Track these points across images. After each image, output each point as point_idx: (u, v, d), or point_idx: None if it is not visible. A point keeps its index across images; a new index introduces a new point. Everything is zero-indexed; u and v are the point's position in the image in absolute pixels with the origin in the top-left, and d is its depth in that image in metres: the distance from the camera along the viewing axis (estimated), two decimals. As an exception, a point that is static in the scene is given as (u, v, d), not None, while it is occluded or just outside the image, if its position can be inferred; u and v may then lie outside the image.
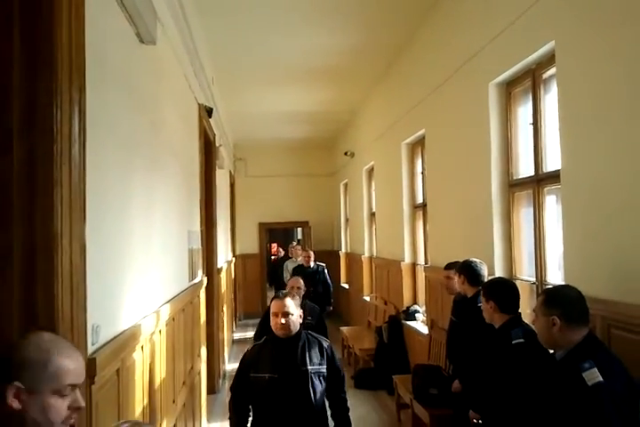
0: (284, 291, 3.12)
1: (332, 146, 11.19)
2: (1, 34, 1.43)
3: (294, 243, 12.55)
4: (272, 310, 2.73)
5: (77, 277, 1.55)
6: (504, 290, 2.77)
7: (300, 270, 7.49)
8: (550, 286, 3.02)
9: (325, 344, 2.77)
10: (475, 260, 3.42)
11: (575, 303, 2.08)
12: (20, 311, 1.41)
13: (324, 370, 2.70)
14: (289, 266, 9.06)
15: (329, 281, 7.56)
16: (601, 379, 1.86)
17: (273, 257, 13.52)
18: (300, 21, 5.02)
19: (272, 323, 2.71)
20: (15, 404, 1.19)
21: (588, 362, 1.92)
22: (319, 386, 2.67)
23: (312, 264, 7.50)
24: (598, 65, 2.53)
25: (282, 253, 11.07)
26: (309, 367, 2.65)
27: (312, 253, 7.65)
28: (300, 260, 8.81)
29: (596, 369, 1.89)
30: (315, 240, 11.26)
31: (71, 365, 1.23)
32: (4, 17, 1.43)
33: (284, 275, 9.07)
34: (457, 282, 3.50)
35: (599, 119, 2.53)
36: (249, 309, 10.96)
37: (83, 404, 1.25)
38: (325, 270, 7.55)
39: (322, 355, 2.72)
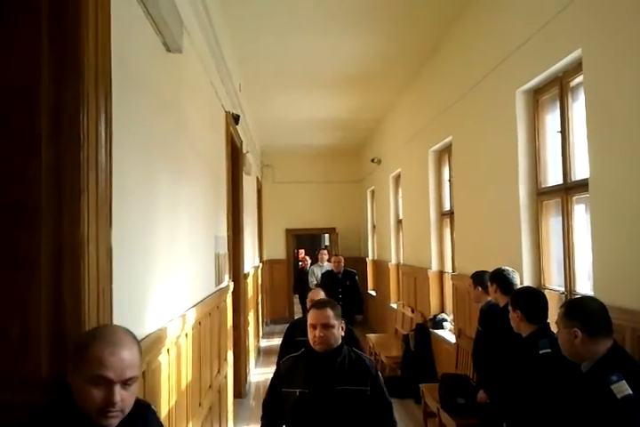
0: (325, 298, 2.91)
1: (359, 153, 11.18)
2: (30, 38, 1.45)
3: (323, 246, 12.53)
4: (309, 321, 2.44)
5: (104, 282, 1.57)
6: (532, 300, 2.73)
7: (328, 276, 7.48)
8: (574, 298, 2.96)
9: (370, 364, 2.47)
10: (507, 268, 3.38)
11: (596, 315, 2.05)
12: (49, 315, 1.43)
13: (368, 393, 2.37)
14: (315, 270, 9.05)
15: (359, 288, 7.46)
16: (630, 392, 1.83)
17: (300, 263, 13.49)
18: (327, 27, 5.03)
19: (309, 336, 2.42)
20: (69, 379, 1.29)
21: (615, 374, 1.88)
22: (359, 410, 2.34)
23: (342, 270, 7.42)
24: (625, 73, 2.49)
25: (308, 262, 10.96)
26: (347, 387, 2.34)
27: (342, 259, 7.59)
28: (326, 265, 8.80)
29: (624, 382, 1.85)
30: (342, 247, 11.25)
31: (108, 358, 1.25)
32: (33, 22, 1.46)
33: (310, 279, 9.05)
34: (490, 291, 3.46)
35: (627, 127, 2.48)
36: (276, 314, 11.04)
37: (114, 399, 1.25)
38: (356, 277, 7.46)
39: (365, 375, 2.40)
